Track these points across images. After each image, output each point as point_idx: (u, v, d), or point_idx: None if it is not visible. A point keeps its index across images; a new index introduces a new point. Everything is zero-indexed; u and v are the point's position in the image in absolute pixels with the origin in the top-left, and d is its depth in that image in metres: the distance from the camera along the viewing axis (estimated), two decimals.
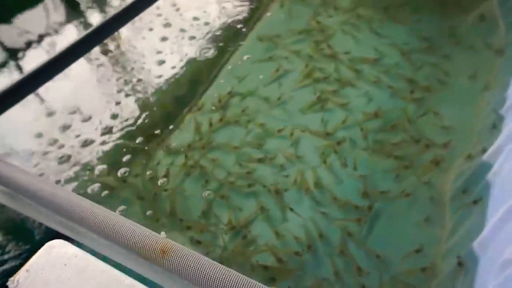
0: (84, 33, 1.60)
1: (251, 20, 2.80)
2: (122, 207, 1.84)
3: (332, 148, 1.99)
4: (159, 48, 2.63)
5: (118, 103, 2.29)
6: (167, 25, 2.80)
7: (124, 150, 2.06)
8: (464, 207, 1.48)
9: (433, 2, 2.67)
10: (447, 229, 1.54)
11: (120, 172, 1.98)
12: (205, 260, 0.62)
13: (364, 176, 1.86)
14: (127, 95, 2.34)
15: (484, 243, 1.25)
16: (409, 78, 2.26)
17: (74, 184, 1.94)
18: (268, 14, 2.85)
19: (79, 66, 2.44)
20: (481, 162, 1.51)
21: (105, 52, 2.65)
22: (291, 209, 1.77)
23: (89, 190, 1.90)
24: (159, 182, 1.95)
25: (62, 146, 2.08)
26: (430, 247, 1.57)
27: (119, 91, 2.37)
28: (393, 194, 1.77)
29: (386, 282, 1.54)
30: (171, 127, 2.20)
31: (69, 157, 2.03)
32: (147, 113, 2.25)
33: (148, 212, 1.82)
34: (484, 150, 1.57)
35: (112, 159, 2.04)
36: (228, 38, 2.70)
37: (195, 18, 2.86)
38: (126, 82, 2.42)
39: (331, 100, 2.23)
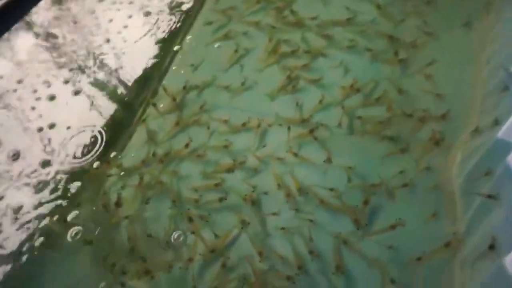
0: None
1: None
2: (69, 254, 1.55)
3: (310, 137, 1.67)
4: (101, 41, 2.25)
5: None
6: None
7: (69, 176, 1.74)
8: (478, 201, 1.18)
9: None
10: (462, 225, 1.25)
11: (67, 204, 1.67)
12: None
13: (353, 168, 1.55)
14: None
15: None
16: (390, 35, 1.91)
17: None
18: None
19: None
20: (496, 140, 1.18)
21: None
22: (283, 228, 1.47)
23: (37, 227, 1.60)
24: (114, 212, 1.64)
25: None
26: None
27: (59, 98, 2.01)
28: (389, 186, 1.47)
29: None
30: (121, 141, 1.87)
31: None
32: (92, 125, 1.91)
33: (102, 255, 1.52)
34: (496, 122, 1.25)
35: (57, 188, 1.73)
36: (177, 18, 2.31)
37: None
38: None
39: (302, 77, 1.89)
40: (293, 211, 1.52)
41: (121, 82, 2.08)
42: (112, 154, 1.81)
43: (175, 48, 2.18)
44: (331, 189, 1.52)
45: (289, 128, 1.71)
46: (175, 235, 1.54)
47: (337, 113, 1.72)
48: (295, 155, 1.64)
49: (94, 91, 2.04)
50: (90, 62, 2.16)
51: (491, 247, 1.10)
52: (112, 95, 2.03)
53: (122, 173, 1.75)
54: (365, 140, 1.62)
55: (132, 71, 2.12)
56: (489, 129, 1.30)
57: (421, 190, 1.44)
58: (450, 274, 1.25)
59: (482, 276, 1.07)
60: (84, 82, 2.08)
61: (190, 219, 1.55)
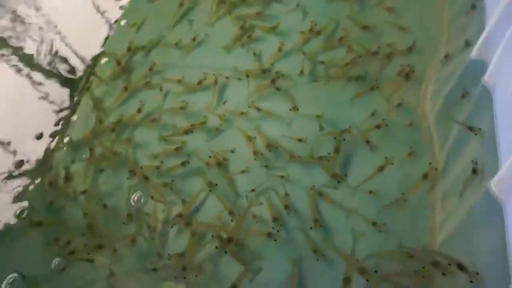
0: None
1: None
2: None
3: (273, 88, 1.55)
4: None
5: None
6: None
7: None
8: (456, 130, 1.11)
9: None
10: (440, 158, 1.18)
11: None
12: None
13: (321, 116, 1.45)
14: None
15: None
16: None
17: None
18: None
19: None
20: (470, 61, 1.10)
21: None
22: (253, 190, 1.35)
23: None
24: (64, 188, 1.47)
25: None
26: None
27: None
28: (361, 129, 1.38)
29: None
30: (65, 114, 1.67)
31: None
32: (27, 104, 1.70)
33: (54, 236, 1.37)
34: (467, 43, 1.17)
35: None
36: None
37: None
38: None
39: (257, 26, 1.74)
40: (263, 168, 1.41)
41: (54, 51, 1.85)
42: (56, 129, 1.62)
43: (113, 8, 1.96)
44: (300, 140, 1.41)
45: (248, 79, 1.58)
46: (135, 197, 1.41)
47: (298, 60, 1.61)
48: (258, 108, 1.52)
49: (24, 68, 1.82)
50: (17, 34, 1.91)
51: (474, 171, 1.05)
52: (46, 68, 1.81)
53: (70, 147, 1.57)
54: (331, 85, 1.52)
55: (66, 36, 1.89)
56: (460, 52, 1.22)
57: (395, 130, 1.36)
58: (432, 206, 1.18)
59: (471, 203, 1.01)
60: (11, 59, 1.84)
61: (151, 186, 1.41)
